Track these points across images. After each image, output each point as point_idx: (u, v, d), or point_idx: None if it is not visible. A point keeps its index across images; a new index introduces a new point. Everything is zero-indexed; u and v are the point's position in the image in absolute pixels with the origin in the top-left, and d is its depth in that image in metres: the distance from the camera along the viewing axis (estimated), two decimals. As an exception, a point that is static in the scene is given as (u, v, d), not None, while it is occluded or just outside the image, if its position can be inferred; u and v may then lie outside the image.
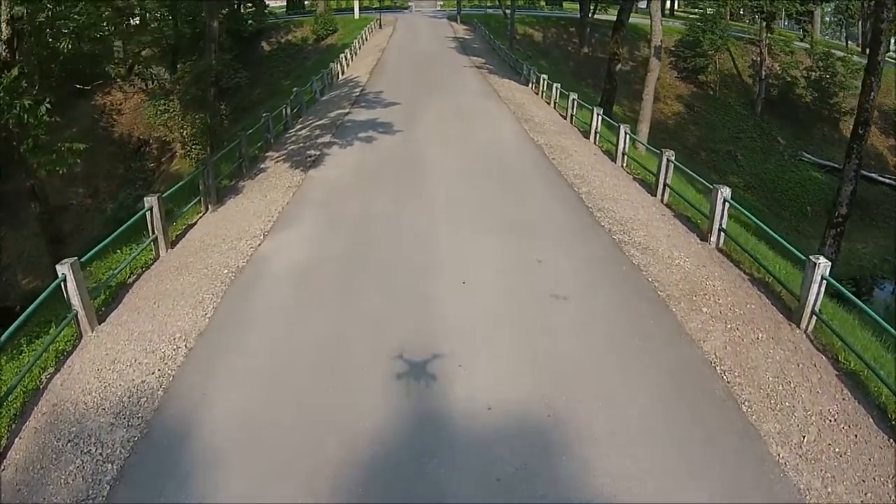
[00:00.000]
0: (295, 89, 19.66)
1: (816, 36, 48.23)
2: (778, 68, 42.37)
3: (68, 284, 6.88)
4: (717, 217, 9.66)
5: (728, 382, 6.26)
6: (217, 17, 25.96)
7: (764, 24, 41.94)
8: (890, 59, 51.89)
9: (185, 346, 6.87)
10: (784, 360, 6.69)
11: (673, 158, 11.71)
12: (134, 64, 41.53)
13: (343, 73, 26.50)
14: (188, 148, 32.93)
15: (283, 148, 15.52)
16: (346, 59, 28.02)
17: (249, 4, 41.47)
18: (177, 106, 32.04)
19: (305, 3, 51.42)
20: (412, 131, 15.59)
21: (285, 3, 50.81)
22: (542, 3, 51.98)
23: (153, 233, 9.50)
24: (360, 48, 32.19)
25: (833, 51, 43.39)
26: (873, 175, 37.67)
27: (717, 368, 6.51)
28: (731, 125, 41.13)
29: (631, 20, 48.18)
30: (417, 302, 7.59)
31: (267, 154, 15.30)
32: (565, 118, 18.39)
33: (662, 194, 11.82)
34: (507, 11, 43.78)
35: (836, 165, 39.16)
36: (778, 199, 37.85)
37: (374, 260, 8.76)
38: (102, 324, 7.45)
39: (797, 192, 38.10)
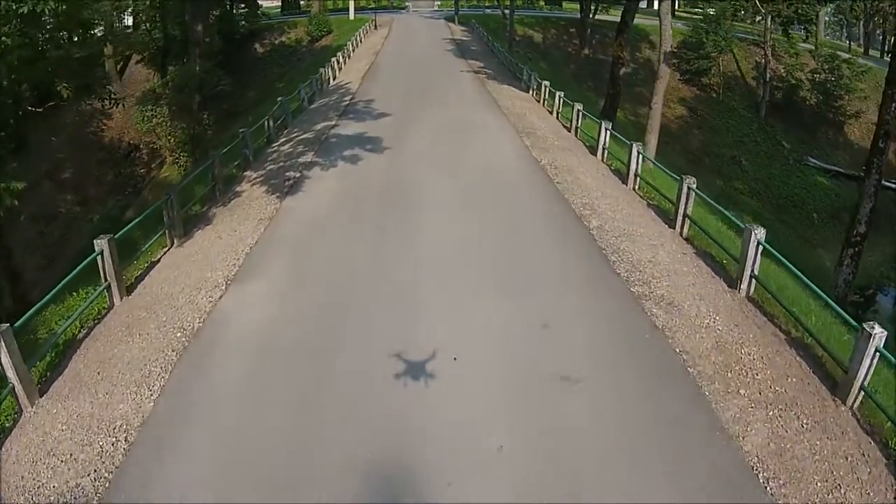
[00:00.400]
0: (280, 99, 18.01)
1: (821, 37, 46.47)
2: (782, 70, 40.65)
3: (1, 357, 5.90)
4: (750, 263, 8.11)
5: (772, 494, 5.06)
6: (202, 21, 24.27)
7: (779, 27, 40.20)
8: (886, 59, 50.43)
9: (125, 439, 5.74)
10: (832, 452, 5.51)
11: (694, 186, 10.12)
12: (125, 66, 40.01)
13: (335, 78, 24.83)
14: (175, 156, 31.41)
15: (262, 167, 13.91)
16: (338, 63, 26.34)
17: (242, 5, 39.73)
18: (165, 112, 30.47)
19: (301, 3, 49.60)
20: (402, 149, 13.95)
21: (280, 4, 49.02)
22: (542, 3, 50.18)
23: (105, 279, 8.06)
24: (353, 51, 30.49)
25: (838, 52, 41.77)
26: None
27: (760, 476, 5.23)
28: (734, 129, 39.49)
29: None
30: (397, 392, 6.04)
31: (245, 173, 13.71)
32: (569, 130, 16.76)
33: (682, 227, 10.24)
34: (506, 12, 42.02)
35: (841, 170, 37.62)
36: (783, 206, 36.28)
37: (348, 328, 7.18)
38: (44, 397, 6.40)
39: (803, 198, 36.53)
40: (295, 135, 16.38)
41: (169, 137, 25.88)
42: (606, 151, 14.31)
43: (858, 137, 40.78)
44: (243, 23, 38.52)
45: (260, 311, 7.64)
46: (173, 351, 6.94)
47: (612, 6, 42.05)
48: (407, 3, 51.76)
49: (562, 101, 18.19)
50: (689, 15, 55.01)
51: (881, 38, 57.46)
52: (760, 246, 8.05)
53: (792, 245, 32.48)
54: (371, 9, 44.51)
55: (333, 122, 16.87)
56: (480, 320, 7.18)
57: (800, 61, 40.92)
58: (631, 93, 39.37)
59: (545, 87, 19.87)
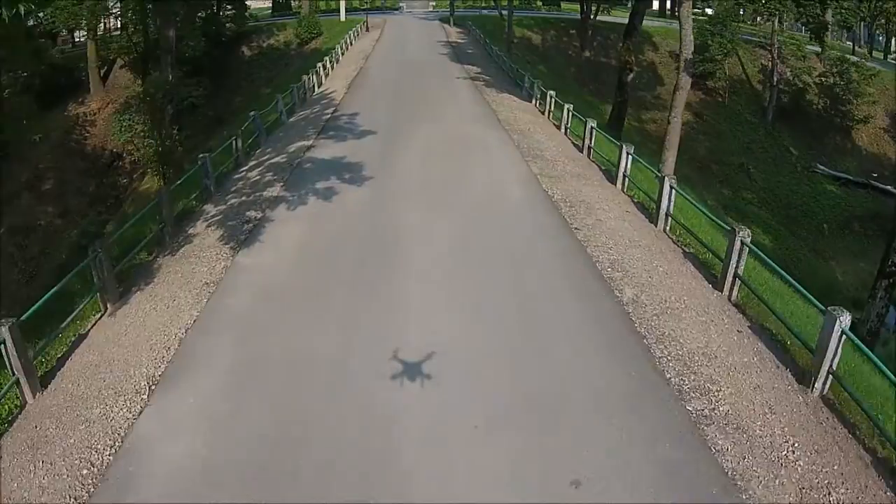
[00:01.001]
0: (252, 113, 15.50)
1: (828, 39, 44.01)
2: (789, 74, 38.23)
3: None
4: (830, 356, 5.87)
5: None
6: (173, 25, 21.69)
7: (801, 29, 37.77)
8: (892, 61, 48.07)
9: None
10: None
11: (748, 239, 7.74)
12: (109, 70, 37.16)
13: (320, 86, 22.30)
14: (152, 170, 28.90)
15: (224, 200, 11.44)
16: (324, 68, 23.79)
17: (229, 7, 37.03)
18: (139, 123, 27.97)
19: (293, 3, 46.82)
20: (386, 180, 11.47)
21: (271, 5, 46.25)
22: (539, 4, 47.53)
23: (13, 373, 6.03)
24: (342, 55, 27.89)
25: (846, 55, 39.41)
26: (889, 187, 34.01)
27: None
28: (741, 135, 37.11)
29: (625, 20, 43.93)
30: None
31: (204, 207, 11.26)
32: (581, 150, 14.33)
33: (731, 289, 7.88)
34: (504, 13, 39.41)
35: (850, 178, 35.38)
36: (793, 216, 33.94)
37: (301, 477, 4.85)
38: None
39: (812, 208, 34.21)
40: (266, 157, 13.90)
41: (142, 151, 23.34)
42: (627, 179, 11.92)
43: (867, 143, 38.46)
44: (229, 25, 35.85)
45: (184, 444, 5.25)
46: (75, 501, 4.76)
47: (614, 7, 39.52)
48: (401, 4, 48.95)
49: (571, 114, 15.76)
50: (695, 16, 52.45)
51: (883, 39, 55.00)
52: (844, 335, 5.77)
53: (805, 259, 30.32)
54: (364, 9, 41.81)
55: (310, 142, 14.36)
56: (488, 474, 4.80)
57: (808, 64, 38.57)
58: (634, 97, 36.91)
59: (550, 97, 17.40)
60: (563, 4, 47.33)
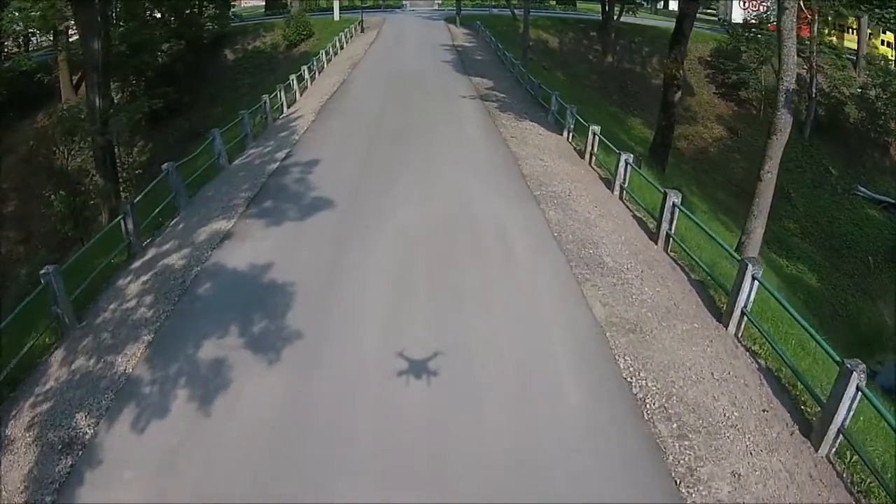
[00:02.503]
0: (166, 167, 9.46)
1: (864, 47, 37.18)
2: (825, 85, 31.67)
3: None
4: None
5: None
6: (99, 35, 15.46)
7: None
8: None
9: None
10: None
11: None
12: (81, 79, 30.70)
13: (290, 105, 16.25)
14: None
15: (70, 361, 5.69)
16: (299, 81, 17.68)
17: (212, 5, 30.64)
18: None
19: (287, 1, 40.11)
20: (329, 336, 5.69)
21: (264, 3, 39.63)
22: (552, 2, 40.68)
23: None
24: (326, 63, 21.68)
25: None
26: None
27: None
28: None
29: (650, 22, 37.07)
30: None
31: (52, 357, 5.56)
32: (655, 237, 8.29)
33: None
34: (516, 12, 32.78)
35: (892, 201, 29.36)
36: (836, 247, 27.72)
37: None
38: None
39: (855, 237, 27.99)
40: (164, 250, 7.99)
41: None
42: (746, 318, 5.98)
43: (905, 161, 32.19)
44: (210, 25, 29.51)
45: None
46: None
47: (640, 8, 32.88)
48: (404, 2, 42.14)
49: (628, 167, 9.68)
50: (708, 18, 45.41)
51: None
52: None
53: (851, 301, 24.47)
54: (367, 7, 35.15)
55: (231, 224, 8.43)
56: None
57: (848, 74, 32.04)
58: (656, 108, 30.58)
59: (594, 135, 11.28)
60: (578, 4, 40.46)
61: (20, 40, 32.18)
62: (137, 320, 6.31)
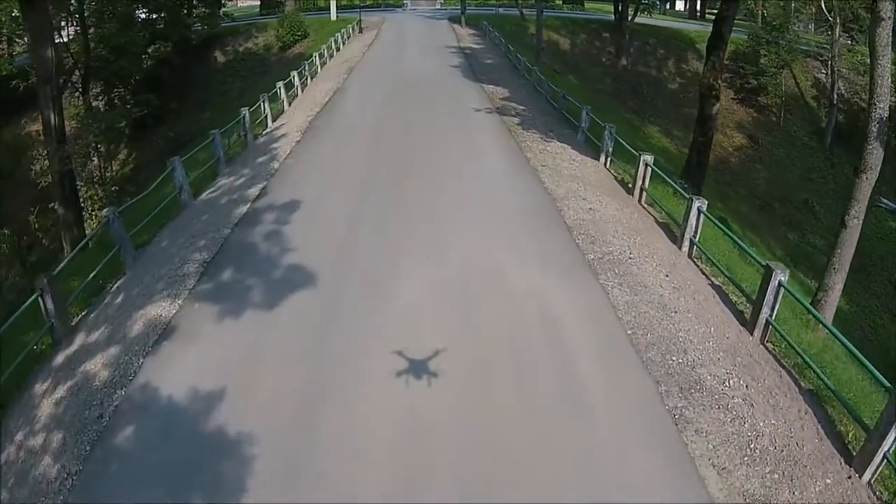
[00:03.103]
0: (106, 214, 6.91)
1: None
2: (844, 90, 29.10)
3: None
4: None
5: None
6: (52, 42, 12.65)
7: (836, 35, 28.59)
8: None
9: None
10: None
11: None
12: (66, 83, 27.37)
13: (275, 119, 13.62)
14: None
15: None
16: (287, 88, 15.01)
17: (202, 6, 27.75)
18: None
19: (283, 1, 37.16)
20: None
21: (259, 3, 36.67)
22: (559, 2, 37.84)
23: None
24: (320, 67, 18.95)
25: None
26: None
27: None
28: (799, 162, 28.20)
29: (663, 23, 34.27)
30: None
31: None
32: (750, 326, 5.76)
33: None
34: (525, 11, 30.04)
35: (915, 212, 26.86)
36: (863, 265, 25.11)
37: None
38: None
39: (881, 254, 25.49)
40: (92, 341, 5.46)
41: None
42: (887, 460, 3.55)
43: (928, 169, 29.69)
44: (199, 27, 26.65)
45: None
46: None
47: (655, 10, 30.19)
48: (404, 1, 39.19)
49: (701, 216, 7.14)
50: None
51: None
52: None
53: (881, 325, 22.12)
54: (362, 7, 32.27)
55: (171, 311, 5.80)
56: None
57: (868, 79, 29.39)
58: (679, 115, 27.91)
59: (646, 166, 8.72)
60: (586, 3, 37.62)
61: (3, 42, 29.18)
62: (37, 480, 3.83)
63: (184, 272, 6.48)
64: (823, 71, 31.60)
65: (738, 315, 6.03)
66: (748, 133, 27.85)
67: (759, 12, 31.87)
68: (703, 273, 6.90)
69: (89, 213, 20.76)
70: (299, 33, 26.63)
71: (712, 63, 15.59)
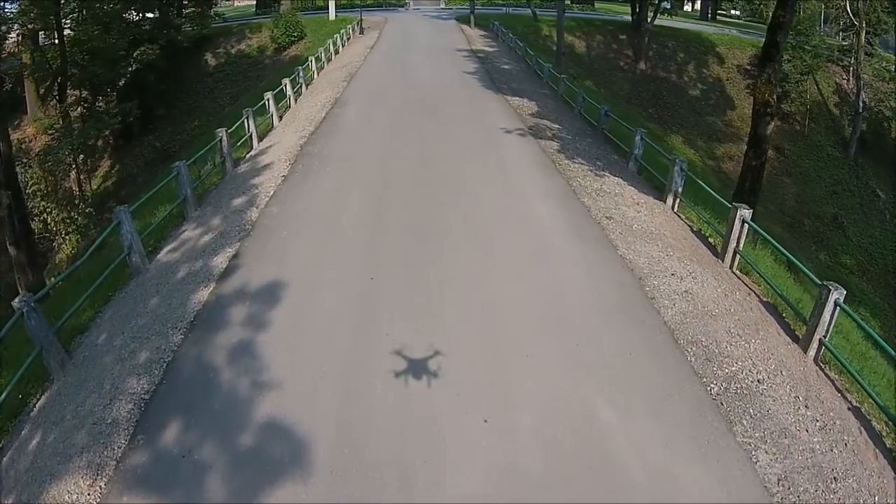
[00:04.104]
0: (19, 306, 4.82)
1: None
2: (866, 98, 26.52)
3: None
4: None
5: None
6: None
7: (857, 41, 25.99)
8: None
9: None
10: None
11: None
12: (51, 86, 23.79)
13: (261, 139, 10.85)
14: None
15: None
16: (275, 103, 12.19)
17: (191, 5, 24.70)
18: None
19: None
20: None
21: (255, 2, 33.48)
22: (568, 2, 34.83)
23: None
24: (317, 73, 16.05)
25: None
26: None
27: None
28: (825, 174, 25.62)
29: (681, 25, 31.27)
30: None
31: None
32: None
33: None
34: (538, 11, 27.11)
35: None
36: (892, 285, 22.92)
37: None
38: None
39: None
40: None
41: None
42: None
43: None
44: (188, 28, 23.62)
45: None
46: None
47: (675, 11, 27.35)
48: (407, 0, 36.03)
49: (836, 310, 4.58)
50: (734, 20, 39.78)
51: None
52: None
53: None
54: (362, 6, 29.20)
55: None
56: None
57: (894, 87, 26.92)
58: (701, 124, 25.22)
59: (742, 223, 6.13)
60: (597, 4, 34.64)
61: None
62: None
63: (112, 417, 3.83)
64: (844, 77, 29.02)
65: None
66: (773, 143, 25.15)
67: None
68: (856, 411, 4.32)
69: (63, 237, 17.95)
70: (295, 34, 23.63)
71: (767, 76, 12.71)
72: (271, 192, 7.53)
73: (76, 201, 18.77)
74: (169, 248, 6.78)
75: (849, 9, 27.19)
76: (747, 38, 27.94)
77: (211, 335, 4.77)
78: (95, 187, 21.07)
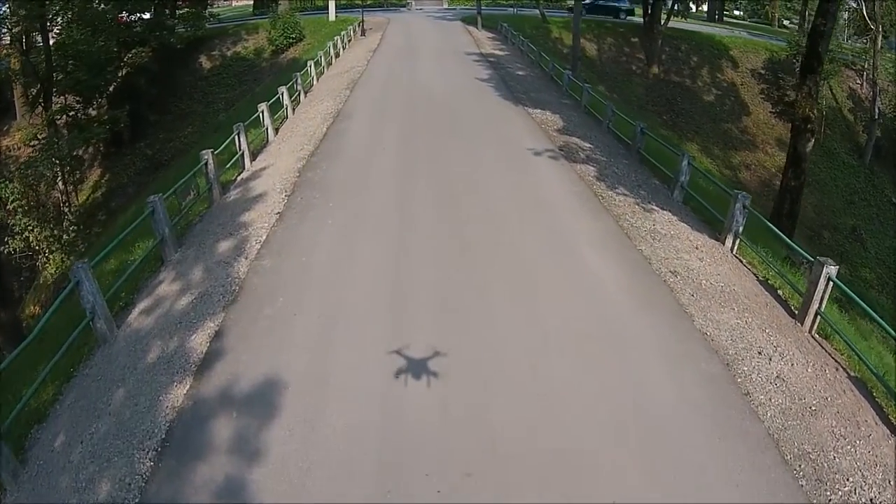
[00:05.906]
0: None
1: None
2: (880, 103, 25.22)
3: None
4: None
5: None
6: None
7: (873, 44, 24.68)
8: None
9: None
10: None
11: None
12: (39, 93, 21.78)
13: (254, 159, 9.43)
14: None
15: None
16: (270, 115, 10.74)
17: (185, 5, 23.02)
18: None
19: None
20: None
21: (252, 2, 31.73)
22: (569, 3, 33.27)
23: None
24: (317, 79, 14.55)
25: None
26: None
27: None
28: (842, 183, 24.35)
29: (693, 27, 29.77)
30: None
31: None
32: None
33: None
34: (546, 13, 25.60)
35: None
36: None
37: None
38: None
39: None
40: None
41: None
42: None
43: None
44: (181, 29, 21.97)
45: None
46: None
47: (687, 13, 25.91)
48: (409, 0, 34.38)
49: None
50: (744, 23, 38.29)
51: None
52: None
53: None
54: (364, 7, 27.58)
55: None
56: None
57: (916, 92, 25.64)
58: (716, 131, 23.85)
59: (828, 282, 4.89)
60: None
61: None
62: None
63: None
64: (858, 81, 27.72)
65: None
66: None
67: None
68: None
69: (47, 257, 16.42)
70: (293, 36, 22.05)
71: (807, 89, 11.38)
72: (263, 237, 6.10)
73: (61, 217, 17.25)
74: (142, 306, 5.38)
75: (864, 12, 25.82)
76: (759, 41, 26.56)
77: (188, 466, 3.38)
78: (84, 198, 19.51)
